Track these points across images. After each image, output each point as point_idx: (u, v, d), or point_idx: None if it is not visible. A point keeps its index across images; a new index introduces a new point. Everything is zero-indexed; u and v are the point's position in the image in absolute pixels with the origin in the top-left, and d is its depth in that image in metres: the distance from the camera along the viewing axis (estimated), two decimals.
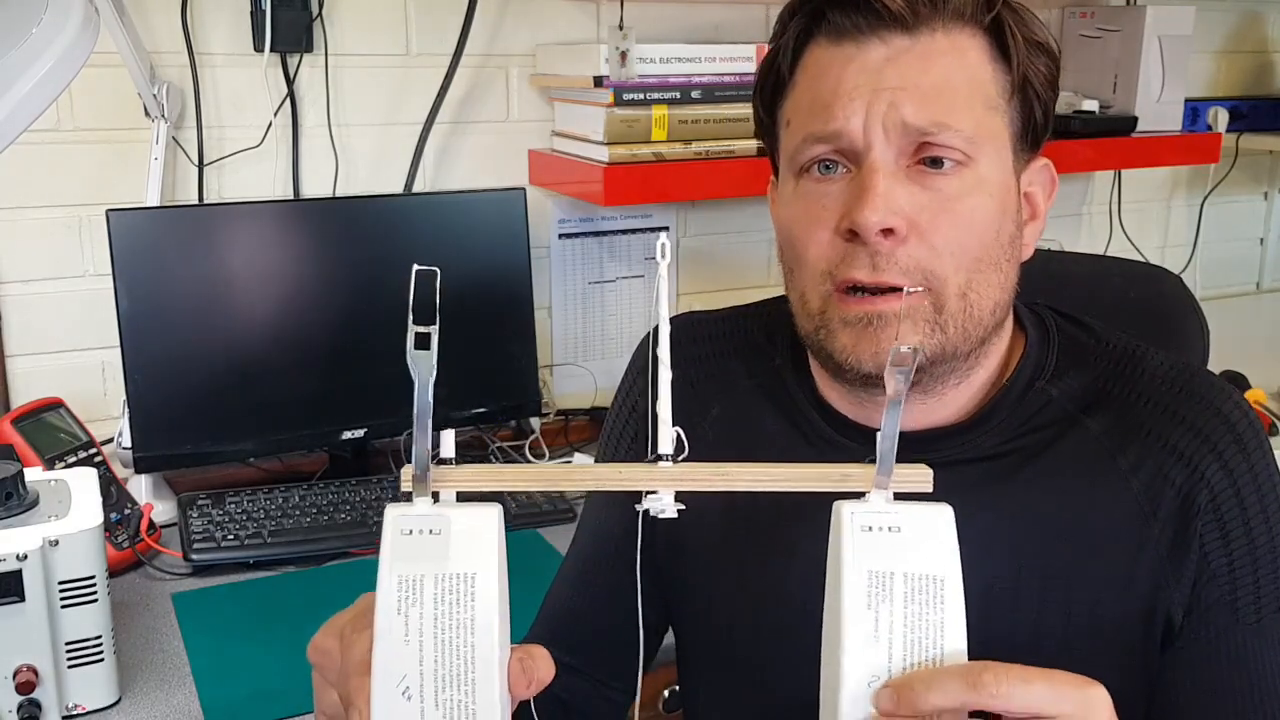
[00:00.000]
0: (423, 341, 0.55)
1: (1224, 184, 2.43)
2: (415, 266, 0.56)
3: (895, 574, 0.59)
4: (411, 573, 0.57)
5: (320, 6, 1.65)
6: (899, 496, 0.61)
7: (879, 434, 0.59)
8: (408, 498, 0.60)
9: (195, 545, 1.41)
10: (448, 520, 0.59)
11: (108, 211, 1.44)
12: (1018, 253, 0.82)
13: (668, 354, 0.59)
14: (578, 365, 1.93)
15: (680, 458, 0.60)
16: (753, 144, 1.73)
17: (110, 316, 1.46)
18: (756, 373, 0.93)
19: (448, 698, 0.57)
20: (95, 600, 1.10)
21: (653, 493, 0.60)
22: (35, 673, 1.07)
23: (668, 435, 0.60)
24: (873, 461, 0.60)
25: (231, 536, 1.43)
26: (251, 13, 1.61)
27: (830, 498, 0.62)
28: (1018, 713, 0.58)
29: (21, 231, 1.56)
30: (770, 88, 0.85)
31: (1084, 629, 0.79)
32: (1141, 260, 1.79)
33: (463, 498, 0.61)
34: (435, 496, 0.60)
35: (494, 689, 0.57)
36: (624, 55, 1.61)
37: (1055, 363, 0.85)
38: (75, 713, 1.11)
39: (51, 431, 1.44)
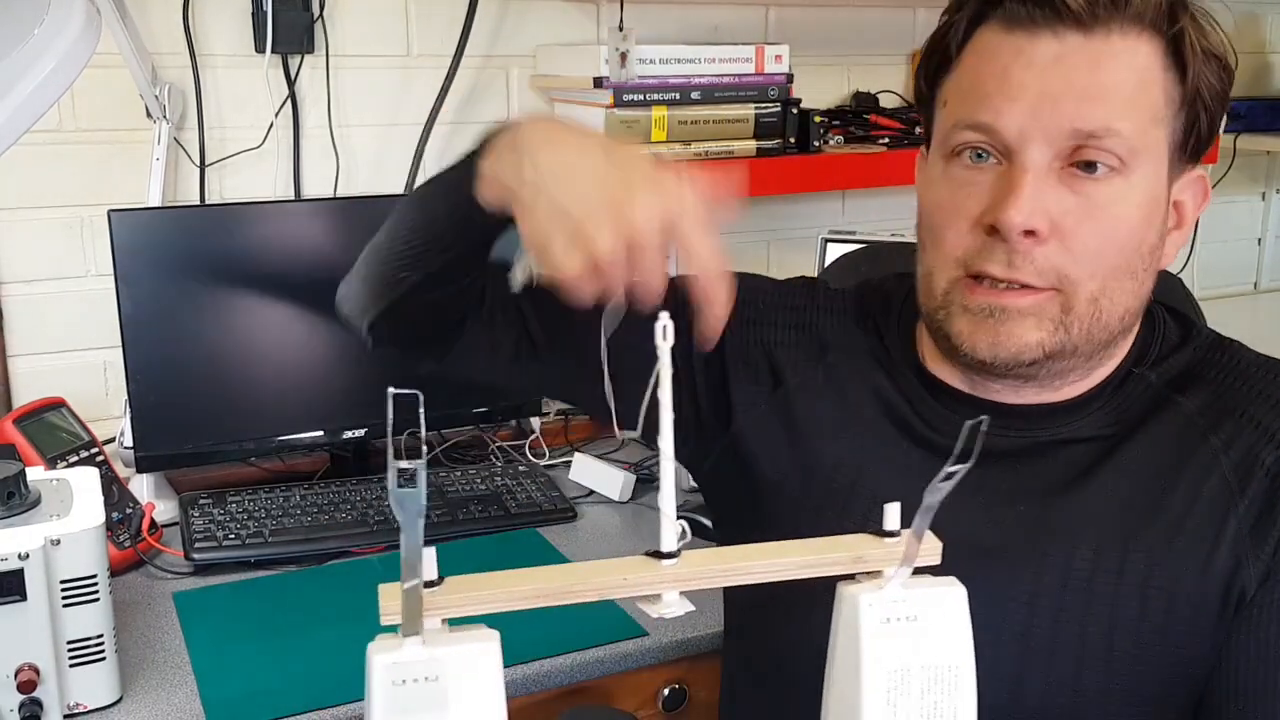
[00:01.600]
0: (408, 479, 0.48)
1: (1222, 184, 2.43)
2: (391, 390, 0.48)
3: (913, 668, 0.58)
4: None
5: (321, 7, 1.65)
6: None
7: (901, 506, 0.58)
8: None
9: (196, 544, 1.41)
10: (443, 664, 0.53)
11: (109, 212, 1.45)
12: (1156, 262, 0.83)
13: (670, 445, 0.56)
14: None
15: (681, 544, 0.57)
16: (752, 144, 1.73)
17: (112, 316, 1.47)
18: (872, 338, 0.95)
19: None
20: (97, 599, 1.10)
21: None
22: (37, 672, 1.07)
23: (671, 531, 0.57)
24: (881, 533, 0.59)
25: (233, 536, 1.43)
26: (252, 14, 1.62)
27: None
28: None
29: (23, 232, 1.57)
30: (935, 63, 0.85)
31: (1160, 604, 0.80)
32: None
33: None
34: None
35: None
36: (624, 56, 1.61)
37: (1158, 351, 0.87)
38: (76, 712, 1.12)
39: (53, 431, 1.44)
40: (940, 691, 0.59)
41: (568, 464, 1.72)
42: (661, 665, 1.28)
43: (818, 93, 1.97)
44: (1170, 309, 0.92)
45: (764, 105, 1.72)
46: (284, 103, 1.66)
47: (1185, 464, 0.82)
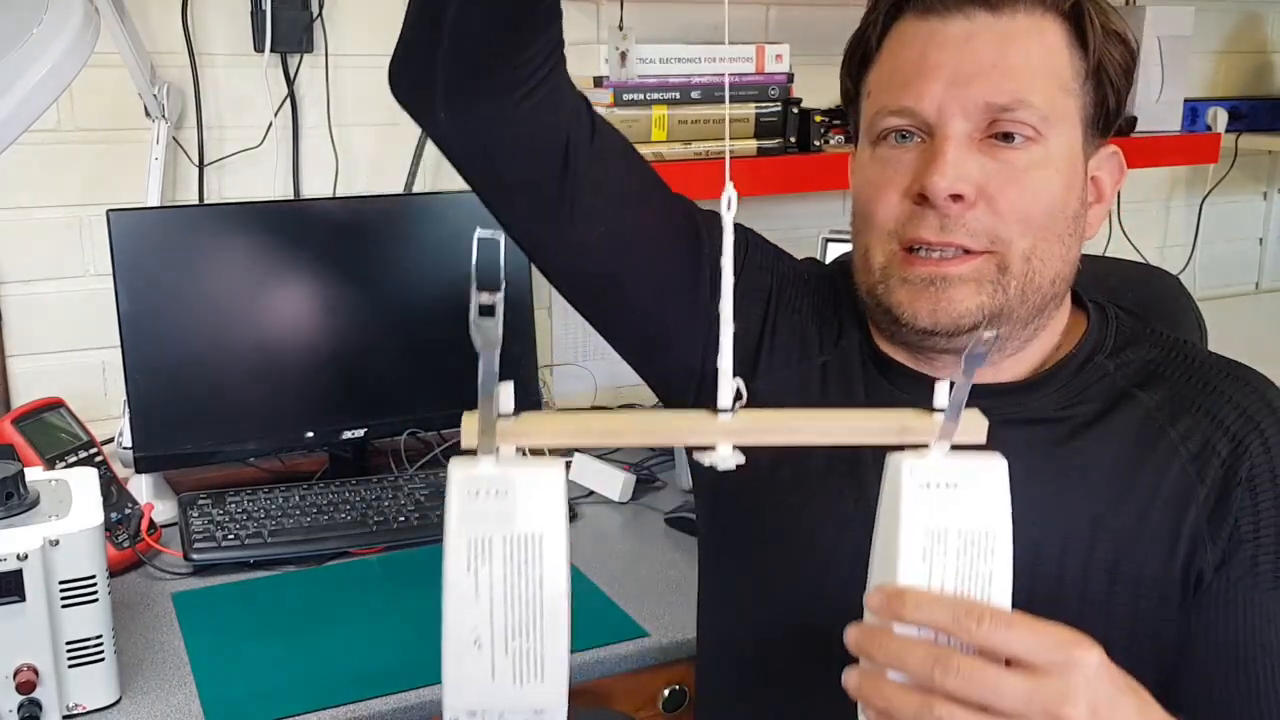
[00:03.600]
0: (487, 310, 0.54)
1: (1223, 184, 2.43)
2: (479, 232, 0.55)
3: (950, 530, 0.62)
4: (480, 534, 0.59)
5: (320, 7, 1.65)
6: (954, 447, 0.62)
7: (953, 383, 0.60)
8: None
9: (195, 545, 1.41)
10: (513, 481, 0.59)
11: (108, 212, 1.44)
12: (1081, 230, 0.87)
13: (730, 308, 0.59)
14: (578, 365, 1.93)
15: (739, 405, 0.60)
16: (753, 144, 1.73)
17: (110, 316, 1.47)
18: (852, 331, 0.96)
19: (517, 646, 0.59)
20: (96, 600, 1.10)
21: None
22: (36, 672, 1.07)
23: (728, 388, 0.60)
24: (930, 409, 0.61)
25: (232, 536, 1.43)
26: (251, 13, 1.62)
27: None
28: (997, 652, 0.61)
29: (22, 231, 1.57)
30: (858, 59, 0.89)
31: (1128, 588, 0.83)
32: (1141, 261, 1.80)
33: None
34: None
35: (561, 637, 0.59)
36: (624, 55, 1.61)
37: (1114, 342, 0.90)
38: (75, 712, 1.11)
39: (52, 431, 1.44)
40: (976, 556, 0.62)
41: (568, 464, 1.72)
42: (661, 666, 1.28)
43: (818, 92, 1.96)
44: (1123, 308, 0.95)
45: (764, 105, 1.72)
46: (283, 102, 1.66)
47: (1147, 455, 0.85)
